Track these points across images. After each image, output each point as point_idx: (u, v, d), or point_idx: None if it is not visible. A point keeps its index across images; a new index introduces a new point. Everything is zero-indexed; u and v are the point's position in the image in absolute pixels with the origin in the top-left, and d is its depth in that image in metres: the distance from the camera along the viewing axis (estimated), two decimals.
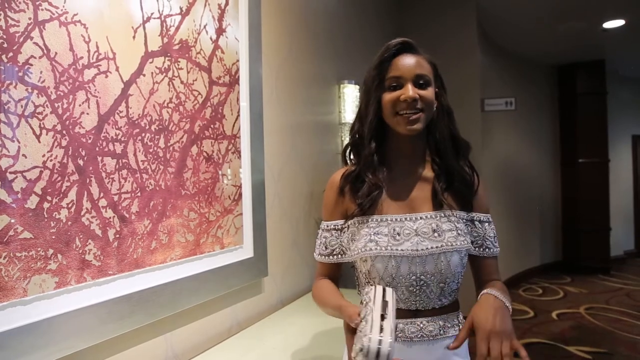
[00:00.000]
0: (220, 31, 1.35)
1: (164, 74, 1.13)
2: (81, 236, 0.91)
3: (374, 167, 0.96)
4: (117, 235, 0.99)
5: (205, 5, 1.28)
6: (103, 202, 0.96)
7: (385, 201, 0.95)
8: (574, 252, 5.55)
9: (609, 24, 4.17)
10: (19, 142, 0.80)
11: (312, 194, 2.01)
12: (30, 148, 0.82)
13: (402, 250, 0.89)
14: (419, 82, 0.91)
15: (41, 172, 0.83)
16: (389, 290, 0.76)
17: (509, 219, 4.71)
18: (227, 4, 1.39)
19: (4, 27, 0.77)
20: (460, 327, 0.94)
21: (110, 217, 0.97)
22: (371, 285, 0.86)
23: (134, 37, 1.05)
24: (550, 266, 5.54)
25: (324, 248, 1.01)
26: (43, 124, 0.84)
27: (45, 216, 0.84)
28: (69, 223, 0.88)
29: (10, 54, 0.78)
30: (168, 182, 1.14)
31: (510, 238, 4.72)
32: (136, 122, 1.05)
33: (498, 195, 4.46)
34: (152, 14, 1.10)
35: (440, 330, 0.92)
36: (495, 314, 0.77)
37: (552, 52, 5.07)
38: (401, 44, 0.94)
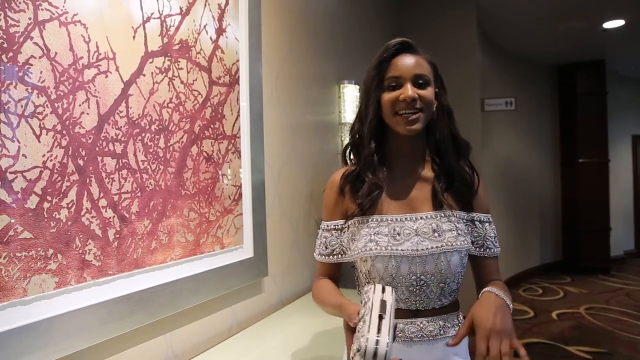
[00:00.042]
0: (220, 31, 1.35)
1: (164, 74, 1.13)
2: (81, 236, 0.91)
3: (374, 167, 0.96)
4: (117, 235, 0.99)
5: (205, 5, 1.28)
6: (103, 202, 0.96)
7: (386, 201, 0.95)
8: (574, 252, 5.55)
9: (609, 24, 4.17)
10: (19, 142, 0.80)
11: (312, 194, 2.01)
12: (30, 148, 0.82)
13: (402, 250, 0.89)
14: (418, 81, 0.91)
15: (41, 172, 0.83)
16: (388, 289, 0.76)
17: (509, 219, 4.71)
18: (227, 4, 1.39)
19: (4, 27, 0.77)
20: (460, 327, 0.94)
21: (110, 217, 0.97)
22: (371, 284, 0.86)
23: (134, 37, 1.05)
24: (550, 266, 5.54)
25: (324, 248, 1.01)
26: (43, 124, 0.84)
27: (45, 216, 0.84)
28: (69, 223, 0.88)
29: (10, 54, 0.78)
30: (168, 182, 1.14)
31: (510, 238, 4.72)
32: (136, 122, 1.05)
33: (498, 195, 4.46)
34: (152, 14, 1.10)
35: (440, 330, 0.92)
36: (495, 312, 0.77)
37: (552, 52, 5.07)
38: (400, 44, 0.94)
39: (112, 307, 0.96)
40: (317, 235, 1.04)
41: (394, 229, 0.91)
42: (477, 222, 0.97)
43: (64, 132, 0.88)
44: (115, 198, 0.99)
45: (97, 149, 0.95)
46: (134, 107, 1.04)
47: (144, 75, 1.07)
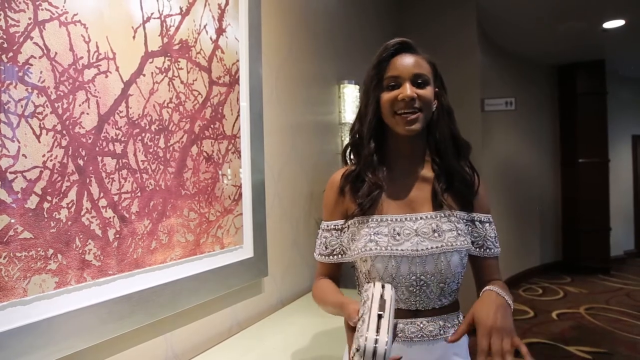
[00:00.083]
0: (220, 31, 1.35)
1: (164, 74, 1.13)
2: (81, 236, 0.91)
3: (374, 167, 0.96)
4: (117, 235, 0.99)
5: (205, 5, 1.28)
6: (103, 202, 0.96)
7: (385, 201, 0.95)
8: (574, 252, 5.55)
9: (609, 24, 4.17)
10: (19, 142, 0.80)
11: (312, 194, 2.01)
12: (30, 148, 0.82)
13: (402, 250, 0.89)
14: (417, 81, 0.91)
15: (41, 172, 0.83)
16: (387, 287, 0.76)
17: (509, 219, 4.71)
18: (227, 4, 1.39)
19: (4, 27, 0.77)
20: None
21: (110, 217, 0.97)
22: (370, 283, 0.86)
23: (134, 37, 1.05)
24: (550, 266, 5.54)
25: (324, 248, 1.01)
26: (43, 124, 0.84)
27: (45, 216, 0.84)
28: (69, 223, 0.88)
29: (10, 54, 0.78)
30: (168, 182, 1.14)
31: (510, 238, 4.72)
32: (136, 122, 1.05)
33: (498, 195, 4.46)
34: (152, 14, 1.10)
35: (440, 330, 0.92)
36: (496, 310, 0.77)
37: (552, 52, 5.07)
38: (399, 44, 0.94)
39: (112, 307, 0.96)
40: (317, 235, 1.04)
41: (394, 229, 0.91)
42: (477, 223, 0.97)
43: (64, 132, 0.88)
44: (115, 198, 0.99)
45: (97, 149, 0.95)
46: (134, 107, 1.04)
47: (144, 75, 1.07)
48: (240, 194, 1.44)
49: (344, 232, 0.99)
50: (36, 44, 0.83)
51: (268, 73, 1.68)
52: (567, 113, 5.62)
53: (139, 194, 1.05)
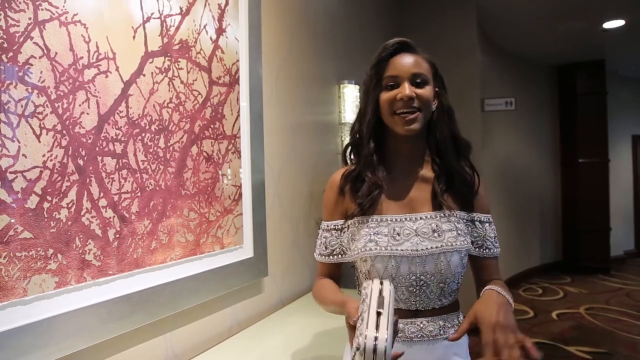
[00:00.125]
0: (220, 31, 1.35)
1: (164, 74, 1.13)
2: (81, 236, 0.91)
3: (374, 166, 0.96)
4: (117, 235, 0.99)
5: (205, 5, 1.28)
6: (103, 202, 0.96)
7: (385, 201, 0.95)
8: (574, 252, 5.55)
9: (609, 24, 4.17)
10: (19, 142, 0.80)
11: (312, 194, 2.01)
12: (30, 148, 0.82)
13: (402, 250, 0.89)
14: (416, 80, 0.91)
15: (41, 172, 0.83)
16: (386, 284, 0.75)
17: (509, 219, 4.71)
18: (227, 4, 1.39)
19: (4, 27, 0.77)
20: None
21: (110, 217, 0.97)
22: (369, 281, 0.85)
23: (134, 37, 1.05)
24: (550, 266, 5.54)
25: (324, 248, 1.01)
26: (43, 123, 0.84)
27: (45, 216, 0.84)
28: (69, 223, 0.88)
29: (10, 54, 0.78)
30: (168, 182, 1.14)
31: (510, 238, 4.72)
32: (136, 122, 1.05)
33: (498, 195, 4.46)
34: (152, 14, 1.10)
35: (440, 330, 0.92)
36: (498, 309, 0.77)
37: (552, 52, 5.07)
38: (399, 44, 0.94)
39: (112, 307, 0.96)
40: (317, 236, 1.04)
41: (394, 229, 0.91)
42: (477, 223, 0.97)
43: (64, 132, 0.88)
44: (115, 198, 0.99)
45: (97, 149, 0.95)
46: (134, 107, 1.04)
47: (144, 75, 1.07)
48: (240, 194, 1.44)
49: (344, 232, 0.99)
50: (36, 44, 0.83)
51: (268, 73, 1.68)
52: (567, 113, 5.62)
53: (139, 194, 1.05)
